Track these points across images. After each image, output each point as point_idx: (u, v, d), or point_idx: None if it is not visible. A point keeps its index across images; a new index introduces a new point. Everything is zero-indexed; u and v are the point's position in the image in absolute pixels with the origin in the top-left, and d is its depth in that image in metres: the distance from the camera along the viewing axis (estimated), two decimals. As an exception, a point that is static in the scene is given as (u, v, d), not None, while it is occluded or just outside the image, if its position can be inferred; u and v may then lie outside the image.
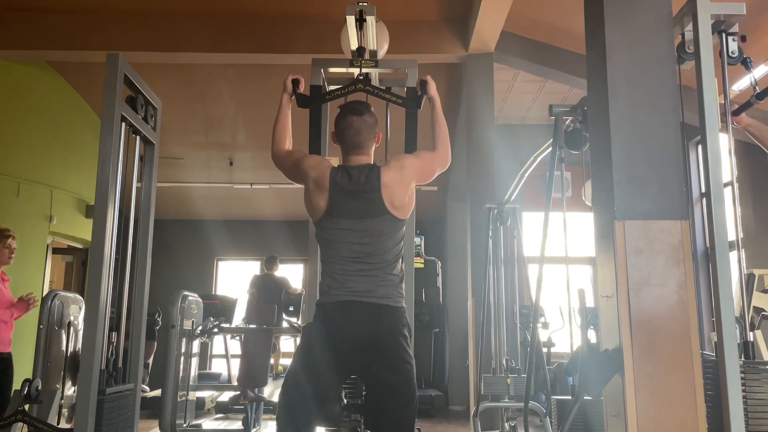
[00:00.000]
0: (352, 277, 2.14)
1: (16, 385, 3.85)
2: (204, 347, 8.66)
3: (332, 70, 3.58)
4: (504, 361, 4.64)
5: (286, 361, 8.35)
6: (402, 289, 2.21)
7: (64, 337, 4.54)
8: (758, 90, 2.59)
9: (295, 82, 2.57)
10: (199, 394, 6.27)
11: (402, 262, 2.26)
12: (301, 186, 2.31)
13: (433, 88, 2.54)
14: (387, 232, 2.17)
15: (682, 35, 2.50)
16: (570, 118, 2.98)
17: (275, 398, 6.47)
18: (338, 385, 2.23)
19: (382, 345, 2.11)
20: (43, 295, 5.89)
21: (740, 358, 2.14)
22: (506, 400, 4.39)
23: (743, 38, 2.42)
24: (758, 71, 4.75)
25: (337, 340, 2.11)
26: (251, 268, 9.43)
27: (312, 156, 2.40)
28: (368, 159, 2.29)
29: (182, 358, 5.14)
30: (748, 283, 4.58)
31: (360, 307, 2.11)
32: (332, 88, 3.15)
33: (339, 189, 2.16)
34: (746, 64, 2.43)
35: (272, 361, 7.23)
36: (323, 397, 2.14)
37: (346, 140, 2.27)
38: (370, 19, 3.14)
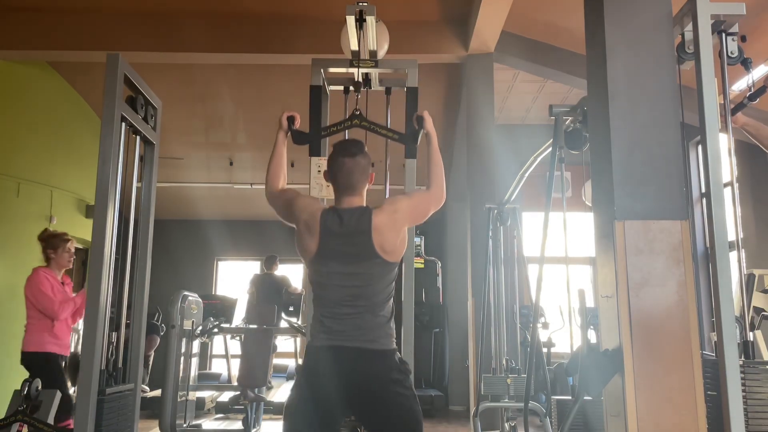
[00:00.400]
0: (341, 320, 2.13)
1: (16, 385, 3.86)
2: (204, 347, 8.67)
3: (332, 70, 3.59)
4: (504, 361, 4.64)
5: (285, 362, 8.35)
6: (391, 328, 2.19)
7: (64, 337, 4.53)
8: (753, 91, 2.60)
9: (291, 119, 2.51)
10: (199, 394, 6.27)
11: (392, 302, 2.23)
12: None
13: (429, 123, 2.45)
14: (377, 275, 2.15)
15: (682, 35, 2.50)
16: (570, 118, 2.99)
17: (275, 398, 6.48)
18: (335, 425, 2.20)
19: (370, 389, 2.09)
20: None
21: (740, 358, 2.14)
22: (506, 400, 4.39)
23: (743, 38, 2.42)
24: (758, 71, 4.76)
25: (326, 384, 2.10)
26: (251, 268, 9.43)
27: (303, 196, 2.36)
28: (360, 200, 2.26)
29: (182, 359, 5.14)
30: (748, 283, 4.58)
31: (346, 352, 2.10)
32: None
33: (329, 232, 2.14)
34: (746, 64, 2.43)
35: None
36: None
37: (338, 181, 2.23)
38: (370, 19, 3.14)
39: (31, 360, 4.05)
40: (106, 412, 3.06)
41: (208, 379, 7.91)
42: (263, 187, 2.45)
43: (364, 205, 2.25)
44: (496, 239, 4.83)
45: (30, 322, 4.10)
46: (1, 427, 3.44)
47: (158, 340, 7.25)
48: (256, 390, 5.36)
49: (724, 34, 2.41)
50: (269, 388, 7.08)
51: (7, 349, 5.70)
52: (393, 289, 2.23)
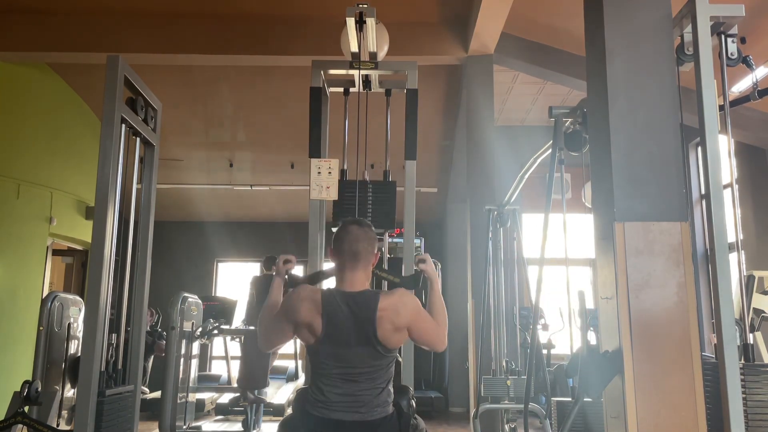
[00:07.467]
0: (340, 395, 2.13)
1: (16, 385, 3.86)
2: (204, 349, 8.66)
3: (332, 71, 3.60)
4: (504, 363, 4.64)
5: (285, 363, 8.34)
6: (390, 389, 2.20)
7: (63, 338, 4.54)
8: (759, 88, 2.60)
9: (287, 263, 2.42)
10: (199, 395, 6.27)
11: (391, 379, 2.22)
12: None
13: (430, 267, 2.37)
14: (377, 359, 2.15)
15: (681, 37, 2.51)
16: (570, 119, 2.99)
17: (275, 400, 6.47)
18: None
19: None
20: (43, 296, 5.89)
21: (740, 360, 2.14)
22: (506, 401, 4.38)
23: (742, 40, 2.42)
24: (758, 73, 4.76)
25: None
26: (251, 269, 9.43)
27: (288, 296, 2.29)
28: (365, 277, 2.22)
29: (182, 360, 5.14)
30: (748, 284, 4.58)
31: (346, 427, 2.10)
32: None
33: (334, 317, 2.12)
34: (747, 62, 2.43)
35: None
36: None
37: (343, 247, 2.20)
38: (370, 21, 3.15)
39: None
40: (105, 413, 3.06)
41: (207, 381, 7.90)
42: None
43: (368, 287, 2.22)
44: (495, 241, 4.82)
45: None
46: (2, 429, 3.44)
47: (164, 344, 7.23)
48: (256, 392, 5.35)
49: (723, 36, 2.41)
50: (273, 377, 7.08)
51: (7, 349, 5.71)
52: (393, 370, 2.21)
